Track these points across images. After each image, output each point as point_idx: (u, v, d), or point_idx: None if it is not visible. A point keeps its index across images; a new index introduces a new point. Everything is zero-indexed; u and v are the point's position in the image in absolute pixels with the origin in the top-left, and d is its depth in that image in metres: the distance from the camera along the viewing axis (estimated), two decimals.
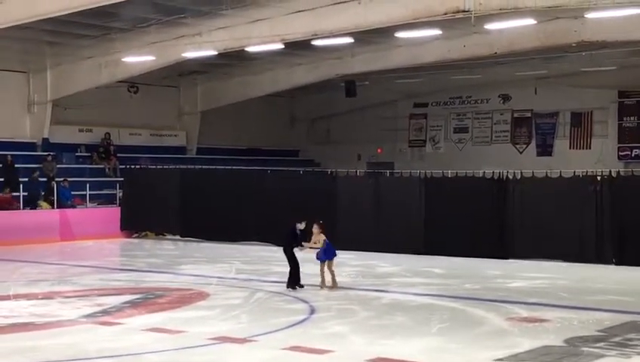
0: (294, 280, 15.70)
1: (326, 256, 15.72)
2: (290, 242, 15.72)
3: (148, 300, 14.85)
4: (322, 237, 15.75)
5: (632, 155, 31.40)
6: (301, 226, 15.72)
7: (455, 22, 22.45)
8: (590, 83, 31.07)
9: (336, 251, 16.00)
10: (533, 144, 33.82)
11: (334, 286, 15.73)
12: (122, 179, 29.22)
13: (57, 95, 29.09)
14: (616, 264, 19.96)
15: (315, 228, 15.76)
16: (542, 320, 12.66)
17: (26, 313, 13.54)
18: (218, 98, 33.68)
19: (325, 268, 15.74)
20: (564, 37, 24.09)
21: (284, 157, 36.15)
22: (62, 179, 27.80)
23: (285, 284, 15.76)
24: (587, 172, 21.81)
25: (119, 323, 12.49)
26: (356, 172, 27.46)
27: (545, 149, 33.47)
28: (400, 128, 36.82)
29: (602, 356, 10.28)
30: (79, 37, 25.81)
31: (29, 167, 27.90)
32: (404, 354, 10.35)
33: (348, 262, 20.18)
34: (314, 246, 15.84)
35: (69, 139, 30.83)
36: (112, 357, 10.20)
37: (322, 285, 15.78)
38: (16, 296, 15.32)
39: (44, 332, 12.03)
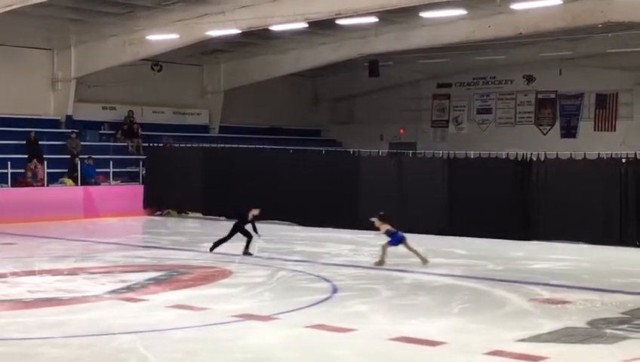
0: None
1: (391, 242, 16.51)
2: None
3: (171, 277, 14.96)
4: (385, 227, 16.54)
5: None
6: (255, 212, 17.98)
7: (480, 2, 22.34)
8: (616, 64, 30.71)
9: (397, 235, 16.60)
10: (557, 125, 33.57)
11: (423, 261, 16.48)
12: (145, 156, 29.38)
13: (81, 72, 29.19)
14: None
15: (377, 222, 16.57)
16: (564, 302, 12.63)
17: (52, 288, 13.68)
18: (241, 77, 33.64)
19: (406, 249, 16.51)
20: (590, 18, 23.86)
21: (307, 137, 36.06)
22: (86, 156, 28.01)
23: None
24: (612, 154, 21.67)
25: (143, 300, 12.59)
26: (378, 152, 27.42)
27: (569, 131, 33.22)
28: (423, 108, 36.66)
29: (626, 338, 10.24)
30: (103, 14, 25.84)
31: (52, 144, 28.10)
32: (426, 333, 10.36)
33: (370, 241, 20.17)
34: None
35: (93, 117, 30.97)
36: (136, 332, 10.28)
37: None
38: (42, 272, 15.50)
39: (69, 307, 12.17)
